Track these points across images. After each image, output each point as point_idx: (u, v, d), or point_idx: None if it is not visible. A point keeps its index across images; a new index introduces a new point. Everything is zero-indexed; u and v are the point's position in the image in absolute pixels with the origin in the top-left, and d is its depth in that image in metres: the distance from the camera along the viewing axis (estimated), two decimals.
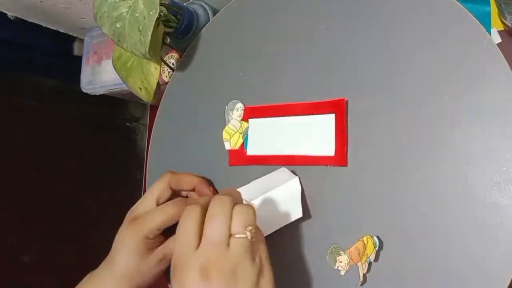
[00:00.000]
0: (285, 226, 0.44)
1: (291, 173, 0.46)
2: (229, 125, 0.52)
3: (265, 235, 0.41)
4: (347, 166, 0.43)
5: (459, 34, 0.40)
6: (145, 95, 0.56)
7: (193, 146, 0.56)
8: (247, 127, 0.51)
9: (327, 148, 0.44)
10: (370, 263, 0.40)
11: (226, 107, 0.52)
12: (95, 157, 0.89)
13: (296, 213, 0.44)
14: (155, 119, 0.60)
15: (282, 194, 0.43)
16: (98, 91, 0.79)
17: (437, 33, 0.41)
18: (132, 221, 0.44)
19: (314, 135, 0.46)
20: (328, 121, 0.45)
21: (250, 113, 0.51)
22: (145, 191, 0.59)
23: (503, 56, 0.38)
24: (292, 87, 0.49)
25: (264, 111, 0.50)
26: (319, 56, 0.48)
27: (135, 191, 0.93)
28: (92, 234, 0.82)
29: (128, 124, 0.98)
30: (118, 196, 0.90)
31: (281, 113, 0.48)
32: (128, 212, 0.47)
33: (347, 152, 0.43)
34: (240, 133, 0.51)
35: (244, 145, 0.51)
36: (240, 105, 0.52)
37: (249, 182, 0.46)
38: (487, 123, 0.38)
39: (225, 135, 0.52)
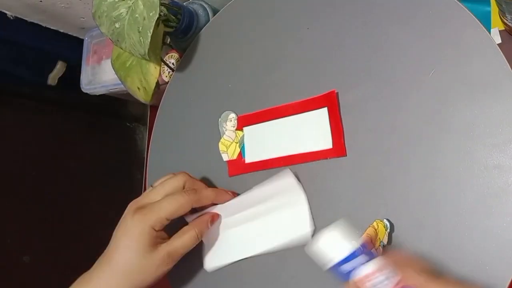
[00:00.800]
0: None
1: (294, 181, 0.45)
2: (224, 136, 0.52)
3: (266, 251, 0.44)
4: (346, 155, 0.44)
5: (459, 33, 0.40)
6: (143, 96, 0.55)
7: (193, 146, 0.55)
8: (243, 136, 0.51)
9: (325, 142, 0.45)
10: (384, 246, 0.40)
11: (219, 119, 0.53)
12: (95, 157, 0.88)
13: (303, 234, 0.43)
14: (155, 119, 0.60)
15: (286, 216, 0.44)
16: (98, 91, 0.79)
17: (438, 33, 0.41)
18: (138, 210, 0.42)
19: (310, 131, 0.46)
20: (321, 115, 0.45)
21: (244, 122, 0.51)
22: (145, 191, 0.59)
23: (503, 55, 0.38)
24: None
25: (258, 117, 0.50)
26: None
27: (135, 191, 0.93)
28: (92, 234, 0.81)
29: (128, 124, 0.98)
30: (118, 196, 0.90)
31: (274, 116, 0.49)
32: (131, 203, 0.44)
33: (345, 141, 0.44)
34: (236, 143, 0.51)
35: (242, 153, 0.50)
36: (233, 116, 0.52)
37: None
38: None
39: (221, 147, 0.52)
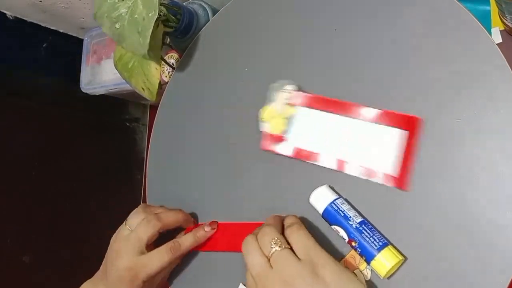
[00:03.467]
0: None
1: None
2: (272, 105, 0.46)
3: None
4: (407, 190, 0.39)
5: (459, 34, 0.40)
6: (148, 95, 0.56)
7: (193, 146, 0.55)
8: (294, 114, 0.45)
9: (389, 166, 0.40)
10: (372, 271, 0.39)
11: (273, 85, 0.46)
12: (95, 157, 0.88)
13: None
14: (155, 119, 0.60)
15: None
16: (98, 91, 0.79)
17: (437, 32, 0.41)
18: (129, 271, 0.44)
19: (377, 146, 0.41)
20: (397, 136, 0.40)
21: (302, 100, 0.45)
22: (145, 191, 0.59)
23: (502, 55, 0.38)
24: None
25: (321, 103, 0.44)
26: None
27: (135, 191, 0.93)
28: (92, 234, 0.81)
29: (128, 124, 0.98)
30: (118, 196, 0.90)
31: (342, 111, 0.43)
32: (115, 247, 0.46)
33: (410, 176, 0.40)
34: (284, 118, 0.45)
35: (285, 132, 0.45)
36: (291, 87, 0.45)
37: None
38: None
39: (264, 115, 0.46)
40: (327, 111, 0.44)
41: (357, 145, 0.42)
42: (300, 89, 0.45)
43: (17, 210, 0.73)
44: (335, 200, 0.41)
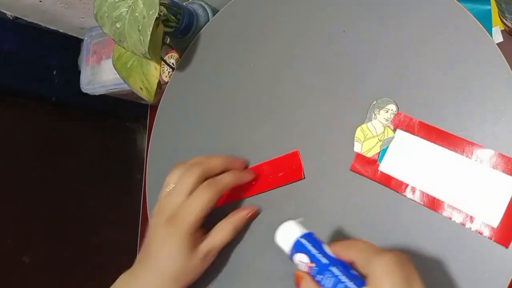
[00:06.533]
0: None
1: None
2: (369, 124, 0.43)
3: None
4: (507, 247, 0.35)
5: (459, 34, 0.40)
6: (146, 95, 0.56)
7: (193, 146, 0.55)
8: (391, 138, 0.42)
9: (493, 215, 0.36)
10: None
11: (374, 103, 0.43)
12: (95, 157, 0.88)
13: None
14: (155, 119, 0.60)
15: None
16: (98, 91, 0.79)
17: (437, 33, 0.41)
18: (169, 220, 0.43)
19: (482, 191, 0.37)
20: (508, 185, 0.36)
21: (401, 123, 0.42)
22: (145, 191, 0.59)
23: (502, 55, 0.38)
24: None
25: (426, 130, 0.40)
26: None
27: (135, 191, 0.93)
28: (92, 234, 0.81)
29: (128, 124, 0.97)
30: (118, 196, 0.90)
31: (448, 144, 0.39)
32: (156, 212, 0.44)
33: None
34: (380, 141, 0.42)
35: (379, 155, 0.42)
36: (392, 107, 0.42)
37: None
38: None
39: (358, 134, 0.43)
40: (430, 141, 0.40)
41: (457, 185, 0.38)
42: (401, 110, 0.42)
43: (17, 210, 0.73)
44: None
